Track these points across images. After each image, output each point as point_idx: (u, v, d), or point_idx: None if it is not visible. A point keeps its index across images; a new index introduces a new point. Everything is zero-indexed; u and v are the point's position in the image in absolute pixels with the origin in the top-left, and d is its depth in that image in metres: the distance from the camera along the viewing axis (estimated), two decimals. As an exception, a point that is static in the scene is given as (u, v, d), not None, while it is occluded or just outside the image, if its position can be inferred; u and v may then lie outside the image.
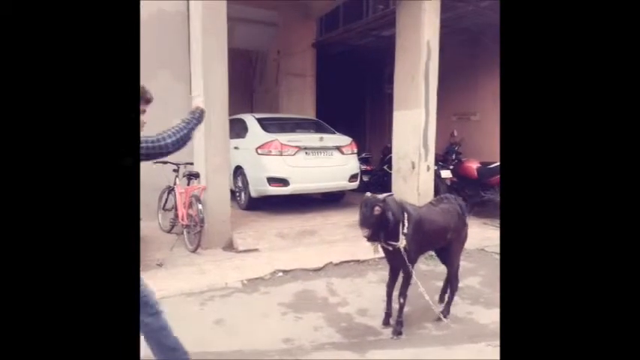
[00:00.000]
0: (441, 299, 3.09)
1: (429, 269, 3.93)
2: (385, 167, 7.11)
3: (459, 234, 2.92)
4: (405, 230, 2.53)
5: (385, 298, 2.85)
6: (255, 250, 4.41)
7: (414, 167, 5.60)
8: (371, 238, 2.53)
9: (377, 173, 7.51)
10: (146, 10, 5.57)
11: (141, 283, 1.78)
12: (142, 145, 1.73)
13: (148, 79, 6.28)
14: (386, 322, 2.82)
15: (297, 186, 5.57)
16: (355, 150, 6.15)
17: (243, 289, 3.46)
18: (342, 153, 5.93)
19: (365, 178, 7.08)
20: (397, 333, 2.68)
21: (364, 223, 2.43)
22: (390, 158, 6.32)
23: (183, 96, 5.48)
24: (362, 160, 6.56)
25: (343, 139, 6.08)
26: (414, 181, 5.59)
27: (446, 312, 2.94)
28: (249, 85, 10.91)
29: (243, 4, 7.17)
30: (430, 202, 3.10)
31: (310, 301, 3.26)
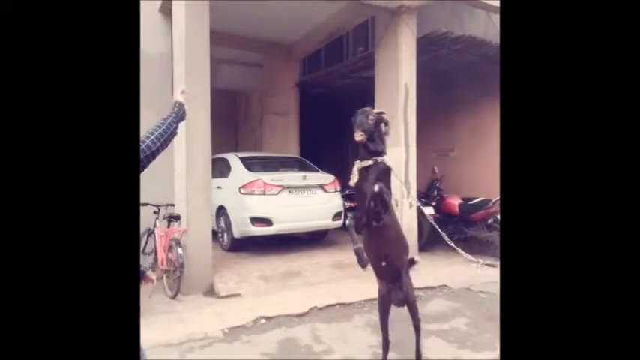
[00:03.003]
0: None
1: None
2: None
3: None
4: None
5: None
6: (238, 295, 4.26)
7: (396, 205, 5.62)
8: (366, 145, 2.54)
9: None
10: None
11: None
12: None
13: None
14: None
15: (280, 226, 5.51)
16: (338, 188, 6.17)
17: (224, 338, 3.31)
18: (326, 191, 5.94)
19: (349, 215, 7.06)
20: None
21: (360, 126, 2.51)
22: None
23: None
24: (346, 197, 6.57)
25: (326, 177, 6.11)
26: (398, 218, 5.59)
27: (418, 356, 2.72)
28: (234, 124, 11.00)
29: (227, 46, 7.37)
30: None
31: (294, 350, 3.13)
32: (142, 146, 1.68)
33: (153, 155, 1.71)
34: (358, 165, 2.56)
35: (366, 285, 3.16)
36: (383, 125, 2.62)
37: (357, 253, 2.49)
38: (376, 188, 2.37)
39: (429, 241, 6.14)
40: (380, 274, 2.70)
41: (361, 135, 2.49)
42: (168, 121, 1.81)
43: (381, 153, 2.55)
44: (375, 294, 2.86)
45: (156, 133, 1.73)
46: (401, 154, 5.60)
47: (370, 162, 2.51)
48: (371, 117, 2.52)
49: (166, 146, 1.77)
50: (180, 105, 1.89)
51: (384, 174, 2.55)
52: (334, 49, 8.94)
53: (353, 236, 2.53)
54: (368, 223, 2.49)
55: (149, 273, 1.69)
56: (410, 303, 2.69)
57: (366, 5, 5.70)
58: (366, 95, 8.33)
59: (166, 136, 1.76)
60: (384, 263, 2.60)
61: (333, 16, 6.97)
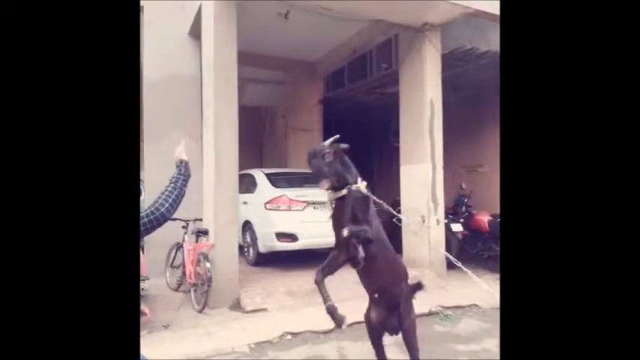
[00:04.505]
0: None
1: (444, 330, 3.76)
2: (394, 220, 7.06)
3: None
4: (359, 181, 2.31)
5: None
6: (264, 309, 4.28)
7: (423, 221, 5.55)
8: (335, 188, 2.31)
9: (386, 226, 7.43)
10: (160, 73, 5.93)
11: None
12: (141, 220, 1.64)
13: (162, 138, 6.53)
14: None
15: (306, 241, 5.53)
16: (363, 204, 6.15)
17: (250, 353, 3.32)
18: (350, 207, 5.93)
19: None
20: None
21: (320, 174, 2.23)
22: (399, 211, 6.29)
23: (196, 154, 5.66)
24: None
25: (351, 193, 6.10)
26: (425, 235, 5.52)
27: None
28: (259, 140, 11.22)
29: (252, 65, 7.59)
30: None
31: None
32: (157, 214, 1.69)
33: (165, 219, 1.73)
34: (331, 195, 2.34)
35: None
36: (342, 152, 2.35)
37: (329, 312, 2.25)
38: (345, 233, 2.17)
39: (458, 259, 5.99)
40: (376, 304, 2.52)
41: (326, 183, 2.27)
42: (179, 184, 1.82)
43: (353, 182, 2.33)
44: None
45: (170, 200, 1.74)
46: (427, 171, 5.56)
47: (344, 191, 2.29)
48: (326, 156, 2.27)
49: (176, 210, 1.79)
50: (186, 164, 1.91)
51: (362, 202, 2.31)
52: (358, 65, 9.03)
53: (322, 292, 2.29)
54: (347, 262, 2.30)
55: (143, 307, 1.67)
56: (404, 331, 2.44)
57: (390, 23, 5.77)
58: (390, 111, 8.35)
59: (179, 200, 1.79)
60: (376, 295, 2.46)
61: (357, 34, 7.10)
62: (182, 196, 1.83)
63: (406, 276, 2.54)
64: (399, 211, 6.57)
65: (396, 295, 2.44)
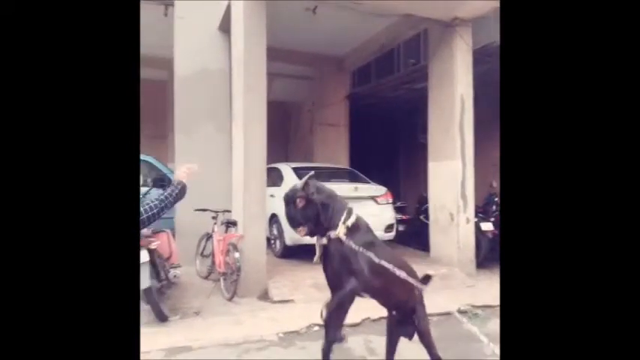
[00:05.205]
0: None
1: (473, 329, 3.71)
2: (422, 217, 6.99)
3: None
4: (343, 220, 2.11)
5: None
6: (291, 301, 4.35)
7: (452, 219, 5.48)
8: (314, 233, 2.19)
9: (413, 223, 7.38)
10: (191, 67, 6.06)
11: None
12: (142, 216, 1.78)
13: (192, 131, 6.66)
14: None
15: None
16: (390, 200, 6.13)
17: (279, 342, 3.38)
18: (377, 203, 5.92)
19: (400, 228, 6.97)
20: None
21: (294, 222, 2.15)
22: (427, 208, 6.24)
23: (225, 145, 5.77)
24: (397, 209, 6.50)
25: (378, 189, 6.09)
26: (454, 233, 5.46)
27: None
28: (285, 135, 11.32)
29: (280, 60, 7.64)
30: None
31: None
32: (142, 216, 1.91)
33: (143, 225, 1.92)
34: (318, 241, 2.20)
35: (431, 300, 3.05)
36: (317, 192, 2.14)
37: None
38: (324, 315, 2.11)
39: (487, 258, 5.90)
40: (394, 315, 2.51)
41: (302, 230, 2.17)
42: (167, 202, 1.98)
43: (333, 226, 2.12)
44: (430, 309, 2.75)
45: (155, 210, 1.98)
46: (457, 168, 5.48)
47: (324, 240, 2.14)
48: (298, 202, 2.12)
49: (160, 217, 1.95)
50: (183, 187, 1.99)
51: (344, 254, 2.11)
52: (385, 60, 8.97)
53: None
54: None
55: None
56: (422, 333, 2.41)
57: (419, 18, 5.70)
58: (418, 107, 8.26)
59: (160, 215, 1.98)
60: (394, 312, 2.45)
61: (385, 29, 7.03)
62: (164, 211, 1.95)
63: (414, 284, 2.43)
64: (425, 209, 6.51)
65: (411, 305, 2.43)
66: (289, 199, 2.18)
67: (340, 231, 2.10)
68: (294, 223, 2.19)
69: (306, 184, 2.14)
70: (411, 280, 2.26)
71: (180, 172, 2.08)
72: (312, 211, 2.13)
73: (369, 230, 2.29)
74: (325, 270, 2.27)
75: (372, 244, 2.21)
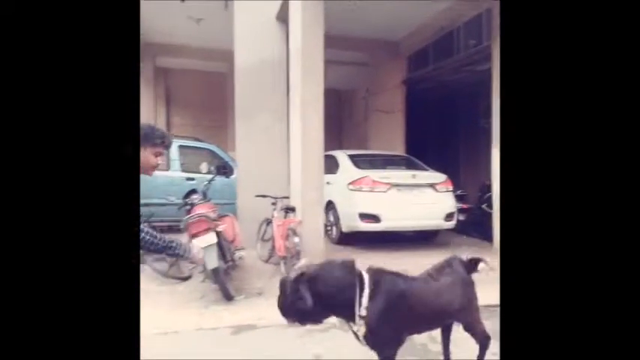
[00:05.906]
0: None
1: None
2: (484, 206, 6.71)
3: (468, 310, 2.33)
4: (365, 304, 1.89)
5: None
6: (348, 286, 4.41)
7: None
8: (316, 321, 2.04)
9: (474, 212, 7.11)
10: (251, 58, 6.24)
11: None
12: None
13: (248, 120, 6.86)
14: None
15: (389, 223, 5.53)
16: (450, 188, 5.94)
17: (340, 326, 3.44)
18: (437, 190, 5.77)
19: (461, 217, 6.74)
20: None
21: (284, 315, 2.00)
22: (490, 197, 5.97)
23: (283, 134, 5.90)
24: (457, 198, 6.29)
25: (437, 177, 5.93)
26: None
27: None
28: (338, 122, 11.33)
29: (334, 47, 7.61)
30: (428, 274, 2.31)
31: (410, 347, 3.12)
32: (143, 234, 1.82)
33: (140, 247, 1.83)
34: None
35: (478, 292, 2.99)
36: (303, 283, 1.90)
37: None
38: None
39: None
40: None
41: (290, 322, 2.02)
42: (164, 245, 1.88)
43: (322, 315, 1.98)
44: (487, 301, 2.66)
45: (150, 242, 1.84)
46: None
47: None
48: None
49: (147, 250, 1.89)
50: (187, 253, 1.98)
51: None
52: (443, 43, 8.59)
53: None
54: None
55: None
56: (469, 324, 2.36)
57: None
58: (479, 90, 7.86)
59: (152, 248, 1.86)
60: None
61: (443, 11, 6.73)
62: (156, 251, 1.93)
63: (474, 299, 2.39)
64: (488, 197, 6.24)
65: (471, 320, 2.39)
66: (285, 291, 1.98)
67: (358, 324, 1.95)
68: (286, 316, 2.05)
69: (299, 276, 1.94)
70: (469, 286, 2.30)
71: (197, 251, 2.13)
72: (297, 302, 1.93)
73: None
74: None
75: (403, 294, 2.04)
